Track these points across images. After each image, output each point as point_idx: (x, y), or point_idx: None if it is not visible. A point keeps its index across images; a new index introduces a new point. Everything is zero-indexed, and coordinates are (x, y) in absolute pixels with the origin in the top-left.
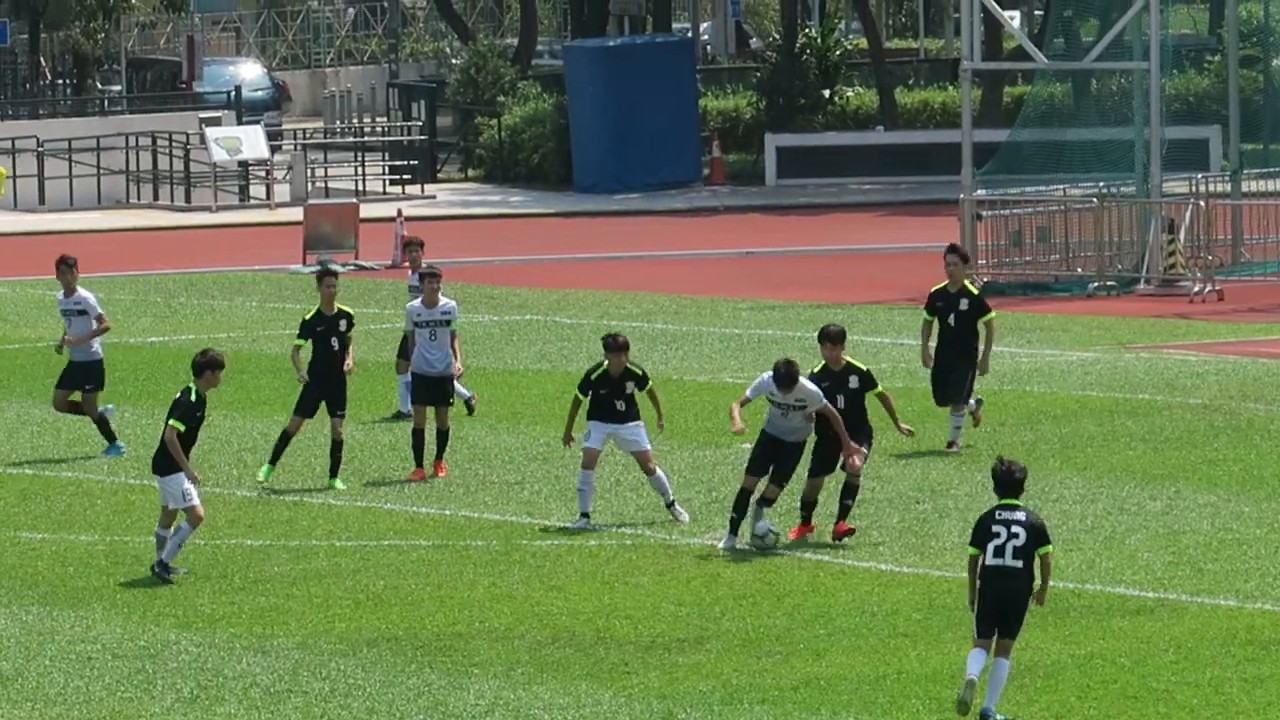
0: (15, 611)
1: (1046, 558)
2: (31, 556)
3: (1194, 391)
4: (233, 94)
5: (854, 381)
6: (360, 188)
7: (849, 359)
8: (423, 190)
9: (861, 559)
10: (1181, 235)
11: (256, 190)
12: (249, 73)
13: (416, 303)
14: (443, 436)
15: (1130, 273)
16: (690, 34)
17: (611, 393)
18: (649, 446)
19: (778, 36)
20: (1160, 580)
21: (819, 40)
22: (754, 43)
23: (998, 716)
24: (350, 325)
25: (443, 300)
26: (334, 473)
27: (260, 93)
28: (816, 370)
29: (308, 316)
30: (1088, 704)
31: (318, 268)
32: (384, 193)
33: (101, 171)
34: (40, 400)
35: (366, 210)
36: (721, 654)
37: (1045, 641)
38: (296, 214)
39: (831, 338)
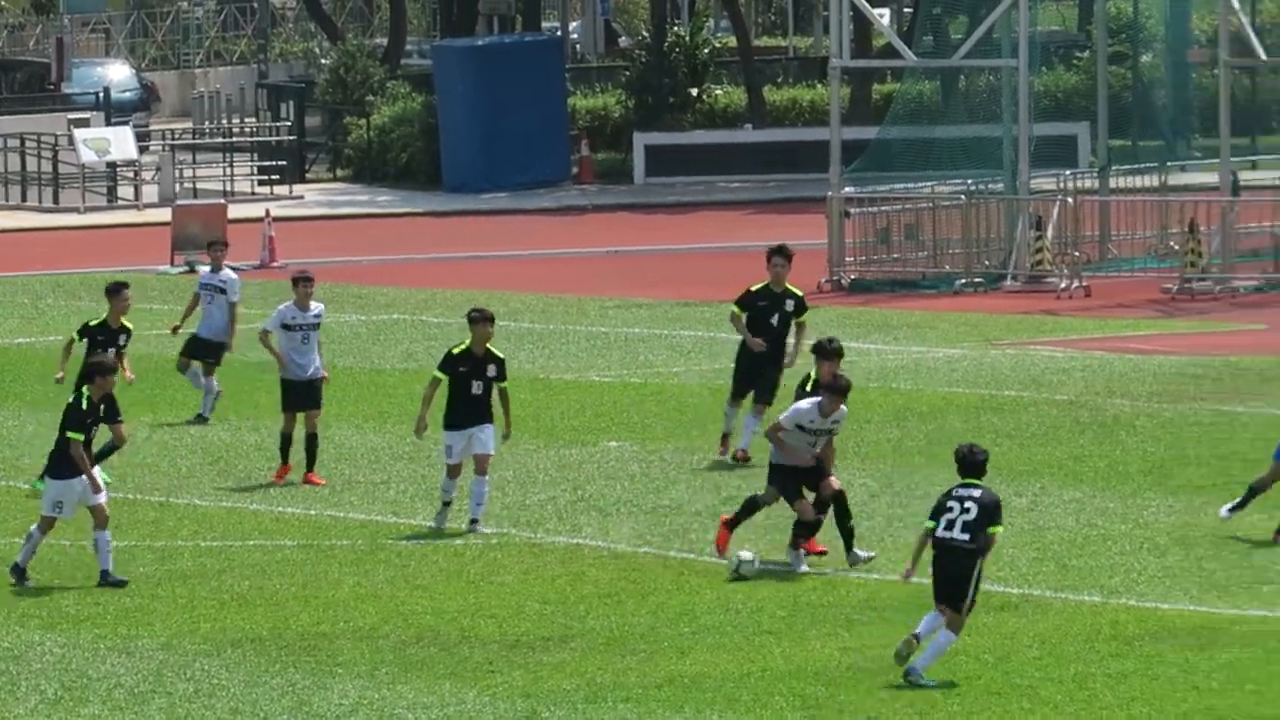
0: None
1: (993, 537)
2: None
3: (1060, 388)
4: (101, 95)
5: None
6: (229, 188)
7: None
8: (291, 191)
9: (727, 557)
10: (1049, 232)
11: (125, 191)
12: (117, 74)
13: (288, 305)
14: (311, 441)
15: (998, 269)
16: (559, 33)
17: (471, 372)
18: (492, 452)
19: (647, 35)
20: (1025, 576)
21: (688, 39)
22: (623, 41)
23: (923, 679)
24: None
25: (314, 304)
26: None
27: (128, 94)
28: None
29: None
30: (952, 700)
31: (185, 268)
32: (252, 193)
33: None
34: None
35: (235, 211)
36: (585, 652)
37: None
38: (165, 215)
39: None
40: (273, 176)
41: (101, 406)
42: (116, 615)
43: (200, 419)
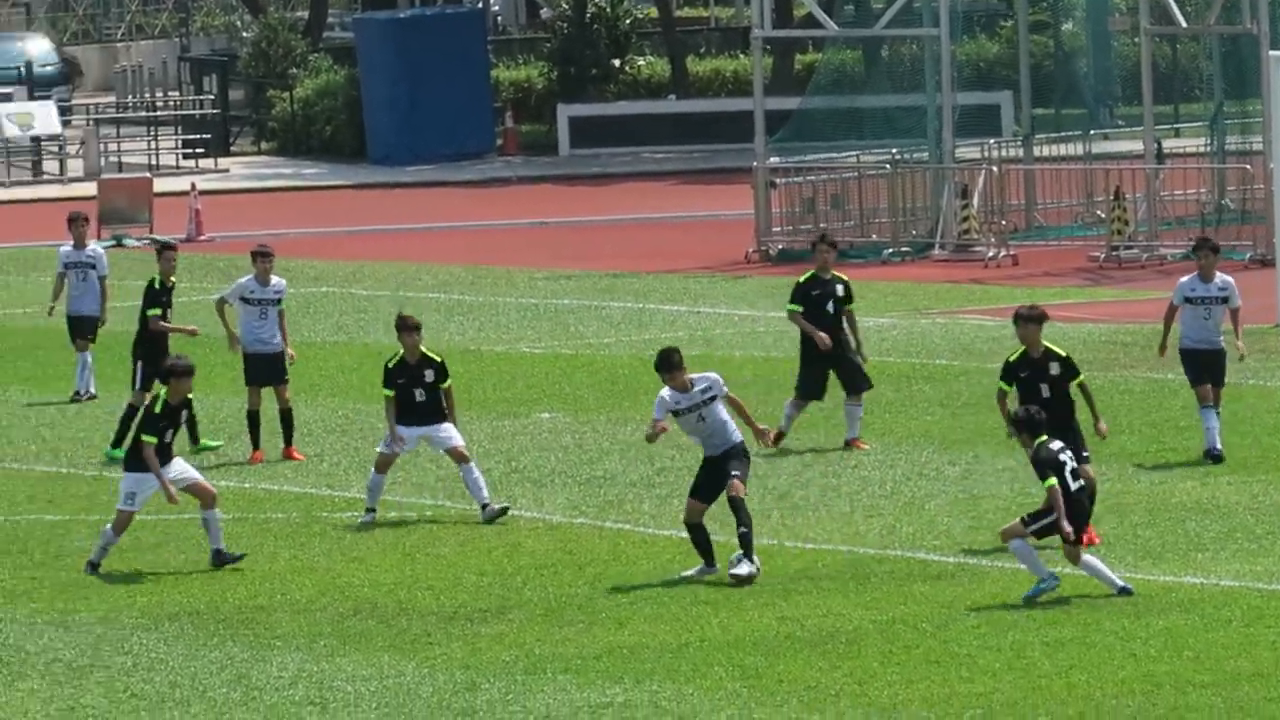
0: None
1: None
2: None
3: (990, 356)
4: (23, 70)
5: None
6: (154, 162)
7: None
8: (216, 164)
9: (662, 527)
10: (975, 200)
11: (49, 165)
12: (38, 48)
13: (248, 279)
14: (286, 415)
15: (925, 238)
16: (480, 5)
17: (410, 382)
18: (460, 443)
19: (567, 6)
20: (960, 545)
21: (609, 10)
22: (544, 13)
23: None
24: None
25: (274, 279)
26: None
27: (49, 68)
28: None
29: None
30: (890, 669)
31: (111, 242)
32: (177, 167)
33: None
34: None
35: (160, 184)
36: (524, 624)
37: (847, 608)
38: (90, 189)
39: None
40: (197, 150)
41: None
42: (53, 589)
43: (79, 396)
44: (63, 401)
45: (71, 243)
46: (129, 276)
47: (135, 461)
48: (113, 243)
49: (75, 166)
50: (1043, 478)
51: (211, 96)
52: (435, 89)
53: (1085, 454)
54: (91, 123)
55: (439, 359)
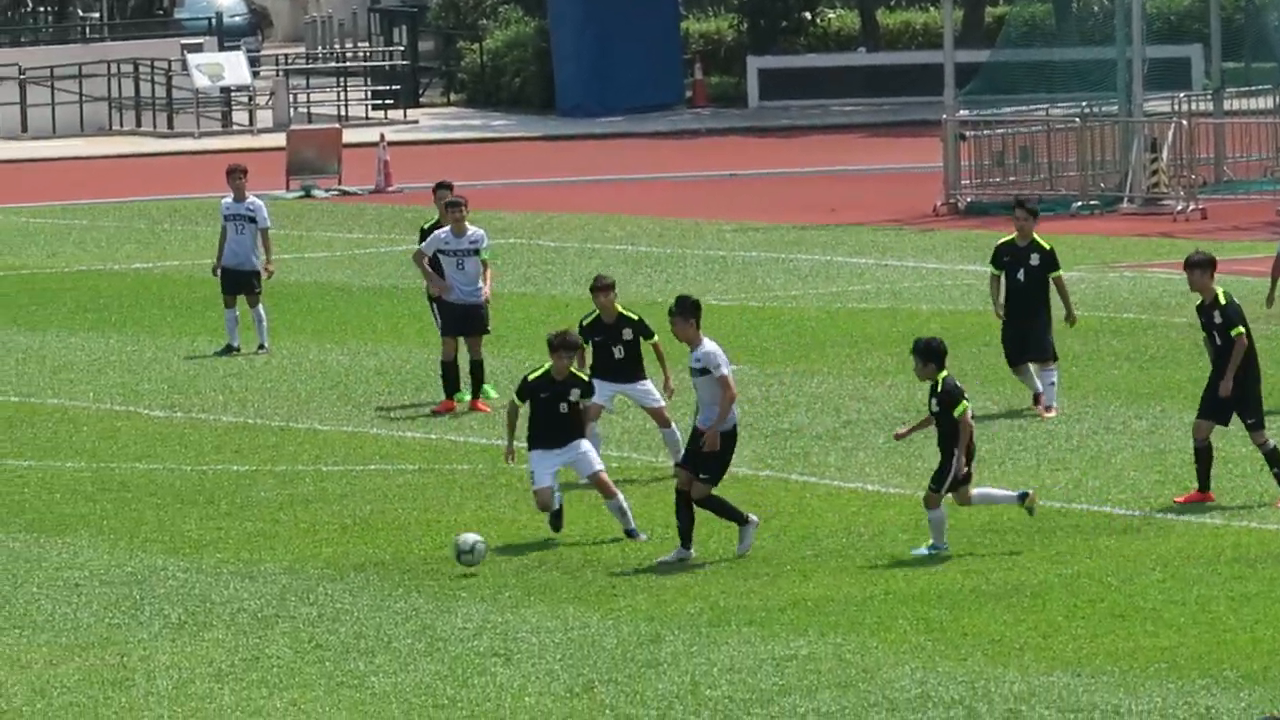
0: (2, 539)
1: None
2: (18, 484)
3: (1179, 310)
4: (213, 20)
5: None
6: (343, 113)
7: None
8: (405, 115)
9: (848, 480)
10: (1164, 154)
11: (239, 116)
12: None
13: (444, 231)
14: (477, 368)
15: (1114, 192)
16: None
17: (606, 339)
18: (660, 403)
19: None
20: (1146, 499)
21: None
22: None
23: None
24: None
25: (470, 229)
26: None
27: (239, 19)
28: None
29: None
30: (1075, 623)
31: (300, 193)
32: (366, 118)
33: (84, 99)
34: (24, 328)
35: (349, 135)
36: (708, 576)
37: (1033, 561)
38: (279, 140)
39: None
40: (386, 101)
41: (576, 390)
42: (239, 539)
43: (232, 349)
44: (250, 353)
45: (231, 195)
46: (317, 228)
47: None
48: (302, 193)
49: (264, 118)
50: (955, 406)
51: (401, 48)
52: (624, 40)
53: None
54: (281, 74)
55: (636, 316)
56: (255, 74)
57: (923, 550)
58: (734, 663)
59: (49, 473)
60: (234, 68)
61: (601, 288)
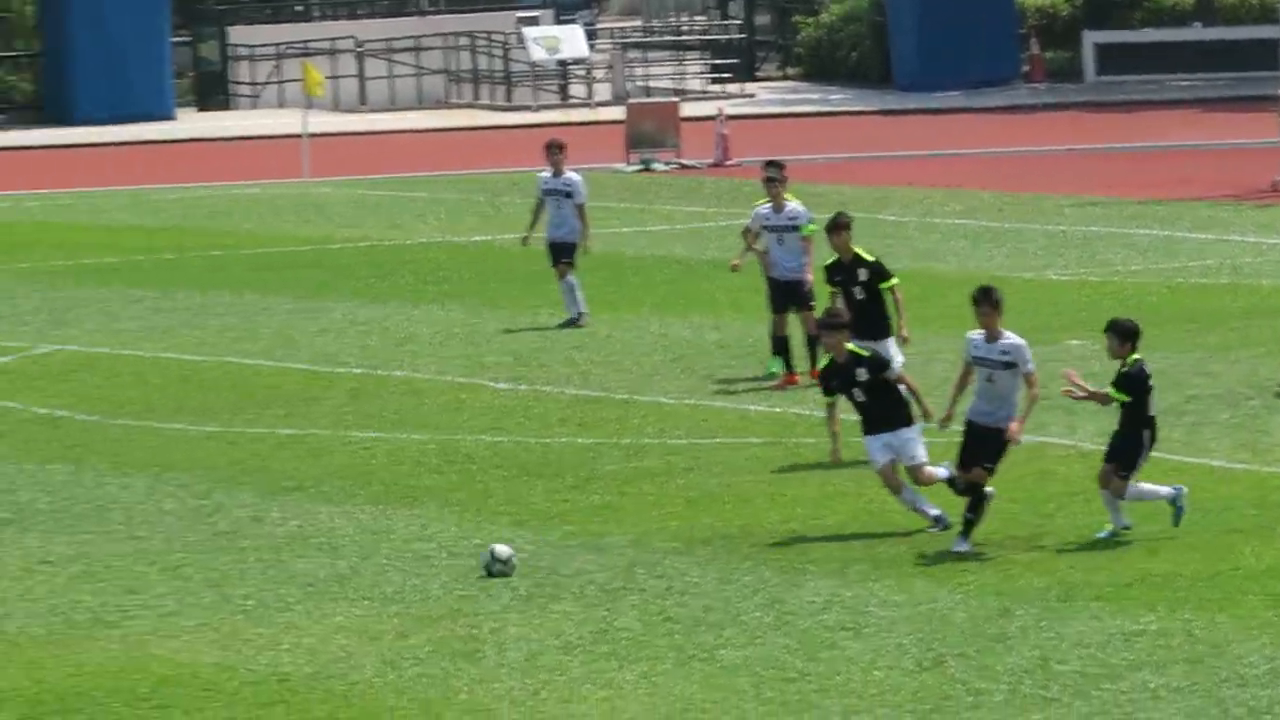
0: (351, 510)
1: None
2: (365, 456)
3: None
4: None
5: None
6: (680, 87)
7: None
8: (742, 89)
9: (1192, 455)
10: None
11: (576, 90)
12: None
13: (765, 207)
14: (812, 342)
15: None
16: None
17: (846, 279)
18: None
19: None
20: None
21: None
22: None
23: None
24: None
25: (789, 204)
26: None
27: None
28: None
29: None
30: None
31: (640, 166)
32: (703, 92)
33: (421, 71)
34: (367, 300)
35: (686, 109)
36: (1056, 551)
37: None
38: (617, 113)
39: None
40: (723, 75)
41: (862, 370)
42: (585, 513)
43: (574, 321)
44: (555, 326)
45: (550, 170)
46: (657, 201)
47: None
48: (641, 167)
49: (602, 91)
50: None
51: (738, 22)
52: (960, 15)
53: None
54: (618, 47)
55: (873, 258)
56: (592, 47)
57: (1104, 534)
58: (1083, 637)
59: (396, 444)
60: (571, 41)
61: (835, 227)
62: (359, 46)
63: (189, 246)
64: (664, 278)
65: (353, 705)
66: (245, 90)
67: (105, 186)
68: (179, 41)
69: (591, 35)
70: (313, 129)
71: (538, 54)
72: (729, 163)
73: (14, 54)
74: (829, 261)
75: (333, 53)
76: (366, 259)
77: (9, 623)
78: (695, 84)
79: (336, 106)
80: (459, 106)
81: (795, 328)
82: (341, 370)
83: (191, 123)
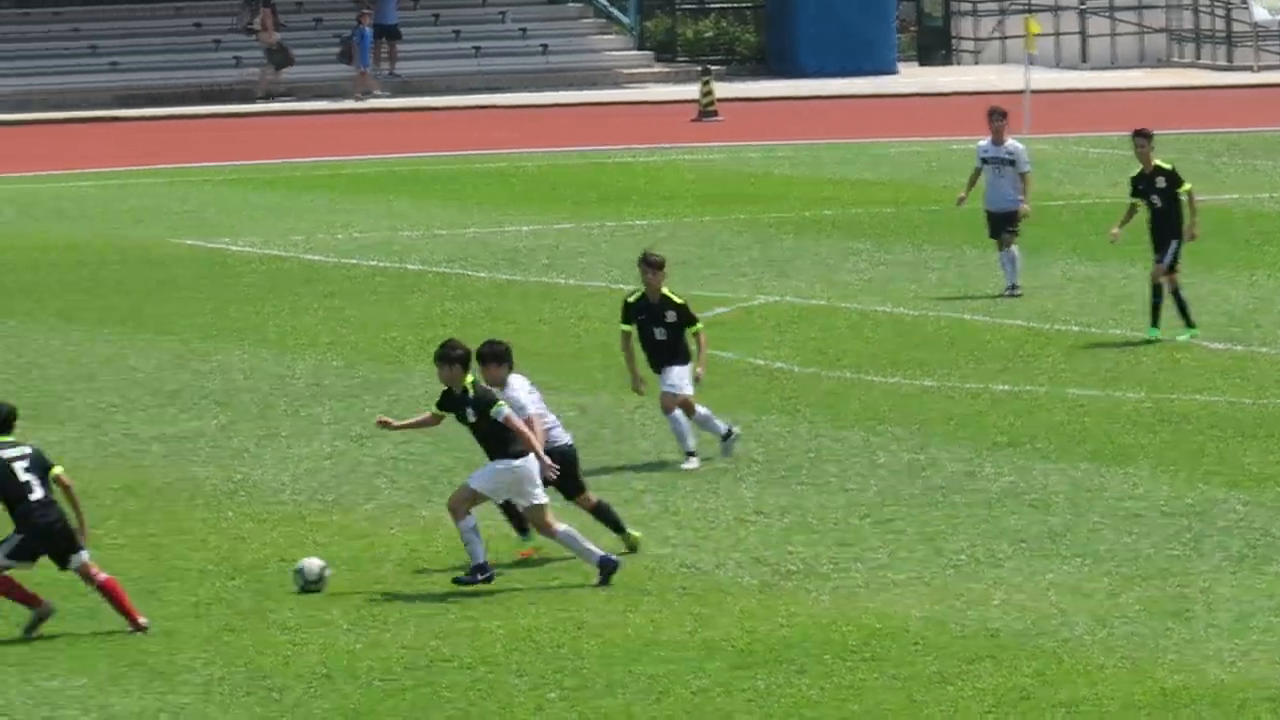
0: (1064, 468)
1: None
2: (1079, 413)
3: None
4: None
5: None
6: None
7: None
8: None
9: None
10: None
11: None
12: None
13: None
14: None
15: None
16: None
17: (649, 320)
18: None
19: None
20: None
21: None
22: None
23: None
24: None
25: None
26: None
27: None
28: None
29: None
30: None
31: None
32: None
33: (1143, 30)
34: (1083, 257)
35: None
36: None
37: None
38: None
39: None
40: None
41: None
42: None
43: (1012, 291)
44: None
45: (990, 138)
46: None
47: None
48: None
49: None
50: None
51: None
52: None
53: None
54: None
55: (681, 301)
56: None
57: None
58: None
59: (1110, 402)
60: None
61: (650, 264)
62: (1082, 4)
63: (906, 200)
64: None
65: (1062, 662)
66: (968, 45)
67: (825, 139)
68: None
69: None
70: (1035, 85)
71: (1260, 15)
72: None
73: (739, 4)
74: (634, 298)
75: (1056, 9)
76: (1086, 217)
77: (721, 572)
78: None
79: (1058, 63)
80: (1179, 66)
81: None
82: (1060, 328)
83: (913, 77)
